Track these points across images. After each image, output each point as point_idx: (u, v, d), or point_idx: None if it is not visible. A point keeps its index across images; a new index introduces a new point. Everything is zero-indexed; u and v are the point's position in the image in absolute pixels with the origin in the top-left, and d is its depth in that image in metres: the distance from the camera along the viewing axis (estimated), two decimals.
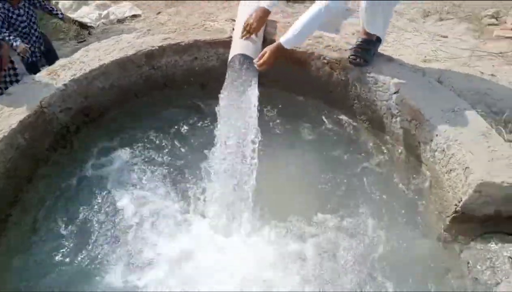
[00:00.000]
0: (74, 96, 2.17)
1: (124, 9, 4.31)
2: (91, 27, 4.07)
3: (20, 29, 2.91)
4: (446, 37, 3.46)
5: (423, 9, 3.99)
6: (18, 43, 2.67)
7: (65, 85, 2.12)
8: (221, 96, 2.01)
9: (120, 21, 4.19)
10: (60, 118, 2.15)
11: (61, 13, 3.24)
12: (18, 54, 2.76)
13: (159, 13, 4.20)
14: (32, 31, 3.02)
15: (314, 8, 1.96)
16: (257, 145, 1.97)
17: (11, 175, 1.92)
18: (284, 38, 2.01)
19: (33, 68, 3.04)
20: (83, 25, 4.06)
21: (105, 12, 4.28)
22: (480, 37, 3.40)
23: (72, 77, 2.15)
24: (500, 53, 3.06)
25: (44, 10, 3.14)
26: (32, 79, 2.16)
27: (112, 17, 4.23)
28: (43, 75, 2.18)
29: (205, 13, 3.97)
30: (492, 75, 2.67)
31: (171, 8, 4.26)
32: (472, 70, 2.76)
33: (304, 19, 1.98)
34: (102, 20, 4.18)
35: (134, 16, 4.25)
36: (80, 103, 2.23)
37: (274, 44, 2.04)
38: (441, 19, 3.82)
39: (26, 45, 2.76)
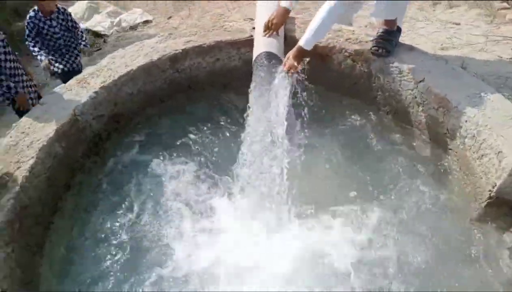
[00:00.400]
0: (105, 103, 2.22)
1: (135, 16, 4.36)
2: (105, 35, 4.12)
3: (54, 40, 2.84)
4: (458, 24, 3.48)
5: None
6: (42, 57, 2.71)
7: (95, 92, 2.16)
8: (251, 94, 2.05)
9: (133, 28, 4.25)
10: (93, 126, 2.20)
11: (86, 44, 3.03)
12: (43, 68, 2.81)
13: (170, 17, 4.25)
14: (68, 44, 2.93)
15: (326, 4, 1.99)
16: (287, 144, 2.00)
17: (51, 184, 1.97)
18: (304, 40, 2.04)
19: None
20: (97, 34, 4.12)
21: (117, 19, 4.33)
22: (493, 22, 3.42)
23: (102, 84, 2.19)
24: None
25: (71, 31, 2.93)
26: (62, 88, 2.20)
27: (124, 24, 4.29)
28: (73, 83, 2.23)
29: (217, 14, 4.02)
30: (511, 58, 2.69)
31: (181, 12, 4.31)
32: (490, 55, 2.78)
33: (319, 17, 2.01)
34: (115, 28, 4.24)
35: (146, 22, 4.30)
36: (111, 110, 2.27)
37: (295, 48, 2.07)
38: (450, 6, 3.84)
39: (49, 58, 2.80)
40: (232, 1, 4.28)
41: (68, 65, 2.97)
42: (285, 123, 1.97)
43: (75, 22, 2.94)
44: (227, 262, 1.93)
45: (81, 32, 2.99)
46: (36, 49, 2.75)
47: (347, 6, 2.06)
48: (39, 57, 2.72)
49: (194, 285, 1.86)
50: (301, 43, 2.04)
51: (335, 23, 2.41)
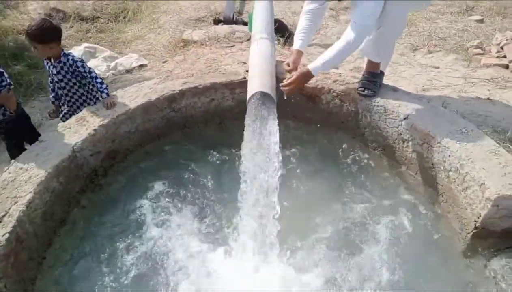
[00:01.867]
0: (103, 141, 2.28)
1: (131, 60, 4.53)
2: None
3: (57, 87, 2.60)
4: (438, 67, 3.71)
5: (411, 44, 4.29)
6: (52, 100, 2.68)
7: (95, 130, 2.23)
8: (244, 132, 2.14)
9: (128, 71, 4.39)
10: (90, 162, 2.25)
11: (107, 93, 2.53)
12: (49, 113, 2.80)
13: (165, 61, 4.42)
14: (69, 96, 2.60)
15: (342, 41, 2.16)
16: (279, 177, 2.07)
17: (48, 218, 1.98)
18: (313, 66, 2.23)
19: None
20: None
21: (113, 63, 4.49)
22: (469, 66, 3.66)
23: (101, 123, 2.26)
24: (491, 79, 3.30)
25: (80, 80, 2.57)
26: (61, 127, 2.27)
27: (120, 68, 4.43)
28: (72, 122, 2.30)
29: (210, 59, 4.20)
30: (488, 99, 2.87)
31: (176, 57, 4.49)
32: (469, 95, 2.97)
33: (334, 50, 2.19)
34: (111, 71, 4.38)
35: (141, 66, 4.46)
36: (108, 147, 2.33)
37: (303, 69, 2.25)
38: (429, 52, 4.10)
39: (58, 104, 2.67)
40: (225, 48, 4.50)
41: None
42: (278, 161, 2.06)
43: (87, 71, 2.53)
44: None
45: (101, 82, 2.53)
46: (52, 93, 2.69)
47: (362, 40, 2.23)
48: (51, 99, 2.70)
49: None
50: (310, 67, 2.24)
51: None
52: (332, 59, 2.20)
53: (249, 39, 4.21)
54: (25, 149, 2.43)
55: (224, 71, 2.69)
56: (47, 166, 2.02)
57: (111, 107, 2.41)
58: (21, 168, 2.01)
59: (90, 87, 2.63)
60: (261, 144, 2.12)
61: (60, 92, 2.61)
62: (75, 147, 2.14)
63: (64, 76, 2.54)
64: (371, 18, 2.11)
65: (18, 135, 2.60)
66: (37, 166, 2.02)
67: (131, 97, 2.45)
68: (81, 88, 2.61)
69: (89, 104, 2.67)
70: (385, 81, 2.55)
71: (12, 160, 2.10)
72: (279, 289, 1.95)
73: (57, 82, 2.56)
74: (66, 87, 2.57)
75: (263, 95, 2.23)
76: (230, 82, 2.60)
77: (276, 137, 2.10)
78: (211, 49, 4.53)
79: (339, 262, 2.04)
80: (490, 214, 1.82)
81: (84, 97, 2.67)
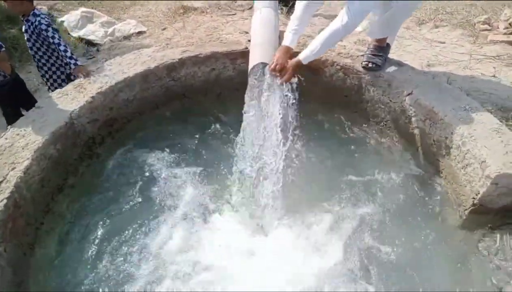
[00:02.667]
0: (100, 108, 2.24)
1: (129, 26, 4.41)
2: (98, 44, 4.15)
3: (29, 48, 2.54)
4: (443, 43, 3.63)
5: (417, 17, 4.17)
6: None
7: (92, 97, 2.19)
8: (246, 103, 2.10)
9: (126, 38, 4.29)
10: (87, 130, 2.21)
11: (75, 62, 2.42)
12: None
13: (164, 28, 4.31)
14: (36, 58, 2.57)
15: (333, 26, 2.09)
16: (282, 148, 2.06)
17: (45, 185, 1.97)
18: (303, 56, 2.15)
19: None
20: (91, 43, 4.15)
21: (110, 29, 4.37)
22: (475, 42, 3.57)
23: (99, 90, 2.22)
24: (497, 56, 3.23)
25: (44, 43, 2.48)
26: (59, 93, 2.22)
27: (118, 34, 4.33)
28: (69, 88, 2.25)
29: (210, 28, 4.09)
30: (493, 76, 2.82)
31: (176, 24, 4.38)
32: (474, 73, 2.91)
33: (322, 37, 2.12)
34: (109, 38, 4.27)
35: (140, 32, 4.35)
36: (106, 115, 2.30)
37: (294, 61, 2.16)
38: (436, 26, 4.00)
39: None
40: (226, 16, 4.38)
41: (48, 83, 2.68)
42: (279, 127, 2.04)
43: (50, 36, 2.39)
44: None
45: (64, 47, 2.41)
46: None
47: (354, 28, 2.15)
48: None
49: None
50: (300, 57, 2.16)
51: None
52: (322, 46, 2.13)
53: (251, 8, 4.09)
54: (22, 115, 2.39)
55: (225, 40, 2.63)
56: (44, 132, 1.99)
57: (86, 77, 2.34)
58: (18, 134, 1.98)
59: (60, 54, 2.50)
60: (263, 115, 2.09)
61: (30, 52, 2.56)
62: (72, 114, 2.11)
63: (30, 36, 2.48)
64: (368, 7, 2.04)
65: (13, 101, 2.56)
66: (34, 132, 1.99)
67: (129, 64, 2.39)
68: (48, 52, 2.54)
69: (63, 73, 2.62)
70: (390, 55, 2.49)
71: (9, 126, 2.06)
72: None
73: (27, 41, 2.51)
74: (33, 48, 2.52)
75: (265, 66, 2.18)
76: (231, 52, 2.53)
77: (278, 109, 2.07)
78: (211, 17, 4.41)
79: (338, 229, 2.08)
80: (488, 192, 1.82)
81: (56, 65, 2.60)
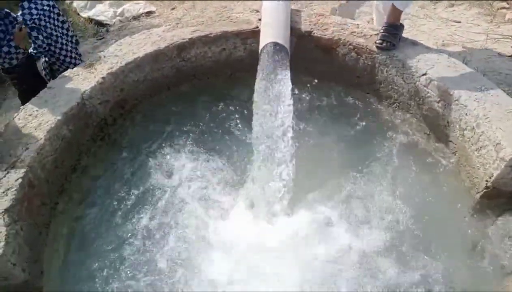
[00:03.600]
0: (111, 89, 2.25)
1: (138, 6, 4.37)
2: (107, 24, 4.13)
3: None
4: (459, 22, 3.53)
5: None
6: None
7: (103, 78, 2.19)
8: (256, 84, 2.08)
9: (136, 18, 4.25)
10: (99, 111, 2.22)
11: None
12: None
13: (173, 8, 4.26)
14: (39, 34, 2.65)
15: None
16: (291, 133, 2.05)
17: (58, 165, 2.00)
18: None
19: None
20: (100, 23, 4.13)
21: (119, 9, 4.33)
22: (493, 21, 3.47)
23: (109, 70, 2.22)
24: None
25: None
26: (70, 73, 2.22)
27: (127, 14, 4.29)
28: (80, 69, 2.25)
29: (220, 6, 4.04)
30: (511, 56, 2.75)
31: (185, 3, 4.32)
32: (491, 53, 2.84)
33: None
34: (118, 18, 4.24)
35: (149, 12, 4.31)
36: (117, 96, 2.30)
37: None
38: (451, 5, 3.88)
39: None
40: None
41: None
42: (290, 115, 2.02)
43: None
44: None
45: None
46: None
47: None
48: None
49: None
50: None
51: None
52: None
53: None
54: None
55: (235, 20, 2.57)
56: (56, 113, 2.00)
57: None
58: (30, 115, 2.00)
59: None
60: (273, 97, 2.07)
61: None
62: (84, 95, 2.11)
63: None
64: None
65: (28, 80, 2.58)
66: (47, 113, 2.00)
67: (139, 45, 2.38)
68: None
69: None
70: (404, 34, 2.43)
71: (22, 107, 2.08)
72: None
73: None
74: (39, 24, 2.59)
75: (277, 46, 2.15)
76: (242, 31, 2.50)
77: (288, 90, 2.04)
78: None
79: (348, 204, 2.10)
80: (502, 174, 1.80)
81: None
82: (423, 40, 3.05)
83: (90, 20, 4.19)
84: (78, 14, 4.28)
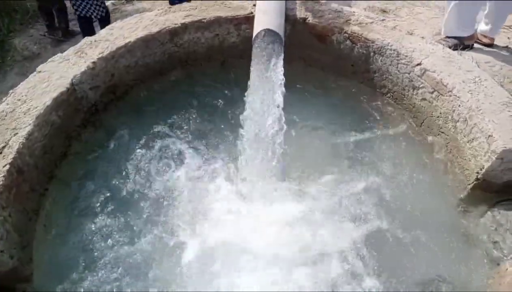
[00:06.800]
0: (102, 74, 2.21)
1: None
2: None
3: None
4: None
5: None
6: None
7: (93, 63, 2.15)
8: (251, 71, 2.06)
9: (129, 1, 4.18)
10: (89, 96, 2.19)
11: None
12: None
13: None
14: None
15: None
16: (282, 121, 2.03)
17: (47, 151, 1.97)
18: None
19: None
20: None
21: None
22: None
23: (100, 55, 2.17)
24: None
25: None
26: (60, 58, 2.18)
27: None
28: (70, 53, 2.21)
29: None
30: (507, 47, 2.73)
31: None
32: None
33: None
34: (111, 1, 4.16)
35: None
36: (108, 81, 2.26)
37: None
38: None
39: None
40: None
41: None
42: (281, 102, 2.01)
43: None
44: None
45: None
46: None
47: None
48: None
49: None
50: None
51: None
52: None
53: None
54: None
55: (229, 5, 2.53)
56: (45, 98, 1.96)
57: None
58: (19, 100, 1.96)
59: None
60: (266, 84, 2.05)
61: None
62: (73, 80, 2.07)
63: None
64: None
65: None
66: (36, 98, 1.96)
67: (130, 29, 2.33)
68: None
69: None
70: (401, 23, 2.41)
71: (10, 91, 2.04)
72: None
73: None
74: None
75: (270, 32, 2.12)
76: (235, 17, 2.45)
77: (281, 77, 2.02)
78: None
79: (342, 192, 2.10)
80: (493, 167, 1.80)
81: None
82: (419, 28, 3.04)
83: None
84: None
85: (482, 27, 2.99)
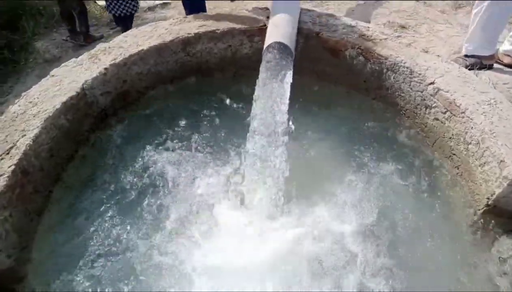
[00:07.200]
0: (113, 81, 2.24)
1: None
2: None
3: None
4: None
5: (454, 1, 3.92)
6: None
7: (106, 69, 2.18)
8: (257, 83, 2.05)
9: (151, 8, 4.26)
10: (100, 101, 2.23)
11: None
12: None
13: None
14: None
15: None
16: (286, 136, 2.01)
17: (54, 154, 2.01)
18: None
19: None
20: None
21: None
22: None
23: (112, 62, 2.21)
24: None
25: None
26: (74, 62, 2.23)
27: (143, 5, 4.30)
28: (84, 58, 2.25)
29: (232, 4, 4.00)
30: None
31: None
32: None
33: None
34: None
35: (164, 4, 4.31)
36: (120, 87, 2.30)
37: None
38: None
39: None
40: None
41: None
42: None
43: None
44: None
45: None
46: None
47: None
48: None
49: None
50: None
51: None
52: None
53: None
54: None
55: (244, 17, 2.54)
56: (55, 102, 2.01)
57: None
58: (30, 102, 2.01)
59: None
60: (273, 97, 2.03)
61: None
62: (85, 85, 2.11)
63: None
64: None
65: None
66: (46, 101, 2.01)
67: (144, 37, 2.37)
68: None
69: None
70: (420, 39, 2.36)
71: (23, 93, 2.09)
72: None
73: None
74: None
75: (280, 45, 2.11)
76: (248, 29, 2.46)
77: (287, 92, 2.00)
78: None
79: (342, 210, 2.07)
80: (504, 193, 1.73)
81: None
82: (438, 46, 2.97)
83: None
84: (95, 1, 4.32)
85: (506, 46, 2.89)
